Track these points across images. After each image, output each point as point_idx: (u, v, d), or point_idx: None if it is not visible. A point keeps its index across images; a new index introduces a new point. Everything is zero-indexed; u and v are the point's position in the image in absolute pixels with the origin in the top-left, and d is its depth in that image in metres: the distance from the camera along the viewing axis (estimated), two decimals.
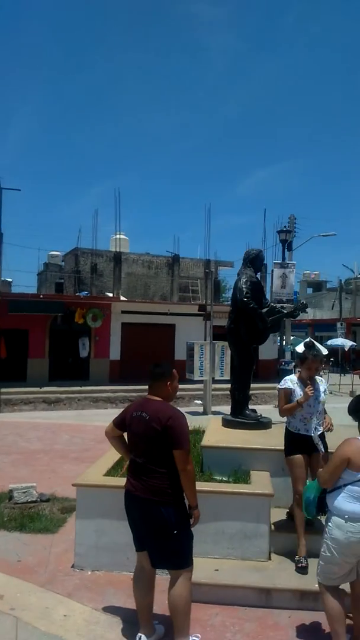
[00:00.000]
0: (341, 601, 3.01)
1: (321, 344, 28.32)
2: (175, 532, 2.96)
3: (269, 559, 4.05)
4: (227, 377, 12.75)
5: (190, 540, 3.09)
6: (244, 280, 5.52)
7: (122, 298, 22.45)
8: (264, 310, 5.63)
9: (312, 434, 4.08)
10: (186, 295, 26.77)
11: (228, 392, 18.14)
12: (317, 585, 3.62)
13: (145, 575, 3.19)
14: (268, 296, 22.34)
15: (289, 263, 13.75)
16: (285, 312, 6.13)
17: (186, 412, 13.76)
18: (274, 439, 4.85)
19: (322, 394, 4.20)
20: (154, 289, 27.22)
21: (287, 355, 21.13)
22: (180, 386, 13.94)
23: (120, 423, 3.28)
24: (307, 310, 6.85)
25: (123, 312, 20.79)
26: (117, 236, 25.18)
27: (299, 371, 4.36)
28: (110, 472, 4.49)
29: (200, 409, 13.42)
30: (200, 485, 4.17)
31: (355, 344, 28.83)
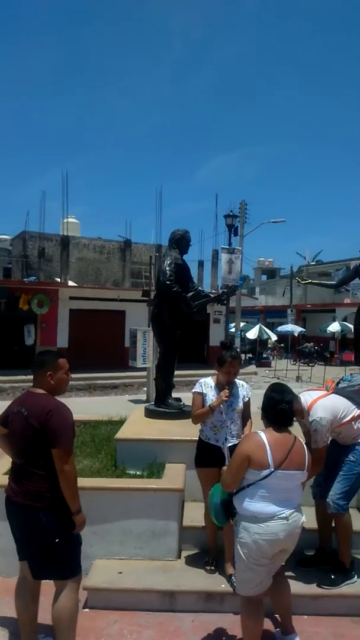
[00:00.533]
0: (260, 626, 2.79)
1: (272, 330, 28.67)
2: (56, 540, 2.65)
3: (179, 557, 3.81)
4: None
5: (75, 548, 2.79)
6: (168, 262, 5.22)
7: (70, 283, 21.78)
8: (190, 294, 5.36)
9: (222, 445, 3.61)
10: (139, 282, 26.33)
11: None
12: (223, 585, 3.44)
13: (27, 586, 2.88)
14: (219, 282, 22.45)
15: (235, 248, 13.56)
16: (212, 296, 5.87)
17: (130, 401, 13.53)
18: (193, 428, 4.58)
19: (240, 401, 3.70)
20: (106, 275, 26.61)
21: (237, 342, 21.16)
22: (127, 374, 13.59)
23: (4, 420, 2.92)
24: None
25: (71, 298, 20.18)
26: (66, 220, 24.37)
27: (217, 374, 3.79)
28: None
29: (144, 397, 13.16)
30: (106, 482, 3.94)
31: (304, 330, 29.23)
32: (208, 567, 3.62)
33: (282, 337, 29.39)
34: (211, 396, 3.65)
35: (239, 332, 20.37)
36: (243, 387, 3.80)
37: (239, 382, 3.81)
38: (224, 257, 13.52)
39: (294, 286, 33.07)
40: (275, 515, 2.65)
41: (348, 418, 3.55)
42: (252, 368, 23.46)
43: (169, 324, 5.31)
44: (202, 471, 3.69)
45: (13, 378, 18.40)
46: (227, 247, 13.83)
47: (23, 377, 18.64)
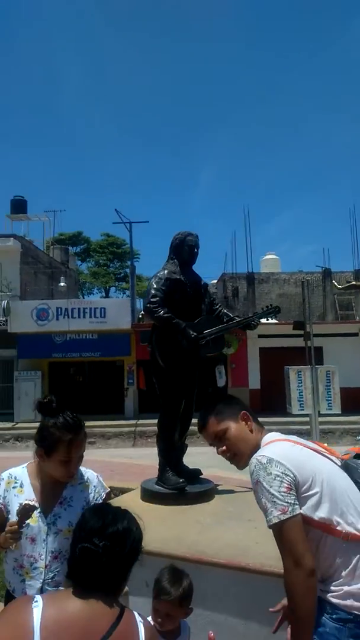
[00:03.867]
0: None
1: None
2: None
3: None
4: (337, 410, 10.17)
5: None
6: (157, 278, 3.86)
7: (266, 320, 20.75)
8: (197, 320, 3.84)
9: None
10: (349, 313, 23.71)
11: (346, 427, 14.84)
12: None
13: None
14: None
15: None
16: (238, 319, 4.08)
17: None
18: (182, 526, 3.04)
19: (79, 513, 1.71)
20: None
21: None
22: (286, 419, 11.56)
23: None
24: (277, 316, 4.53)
25: (260, 336, 19.10)
26: (255, 256, 23.76)
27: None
28: None
29: None
30: None
31: None
32: None
33: None
34: (15, 505, 1.81)
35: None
36: (88, 482, 1.96)
37: (83, 471, 1.99)
38: None
39: None
40: None
41: (333, 519, 1.57)
42: None
43: (163, 364, 3.87)
44: None
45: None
46: None
47: None
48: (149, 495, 3.66)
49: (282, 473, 1.55)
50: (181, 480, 3.61)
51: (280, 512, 1.51)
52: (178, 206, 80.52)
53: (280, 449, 1.65)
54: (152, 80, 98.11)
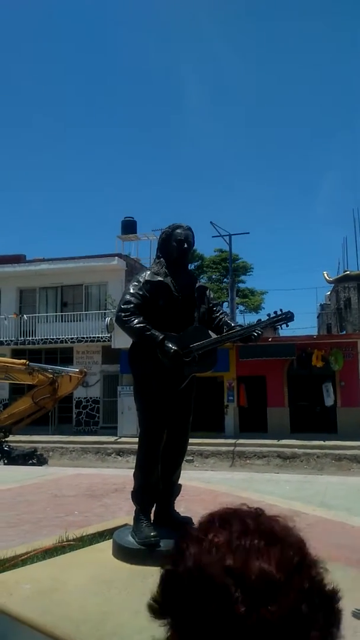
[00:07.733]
0: None
1: None
2: None
3: None
4: None
5: None
6: (136, 281, 3.22)
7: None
8: (183, 332, 3.11)
9: None
10: None
11: None
12: None
13: None
14: None
15: None
16: (237, 329, 3.19)
17: None
18: (128, 602, 2.39)
19: None
20: None
21: None
22: None
23: None
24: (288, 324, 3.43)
25: None
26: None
27: None
28: None
29: None
30: None
31: None
32: None
33: None
34: None
35: None
36: None
37: None
38: None
39: None
40: None
41: None
42: None
43: (138, 386, 3.19)
44: None
45: (308, 443, 16.65)
46: None
47: (320, 442, 16.68)
48: (116, 550, 3.00)
49: None
50: (152, 534, 2.88)
51: None
52: (296, 217, 77.64)
53: None
54: (267, 87, 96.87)
